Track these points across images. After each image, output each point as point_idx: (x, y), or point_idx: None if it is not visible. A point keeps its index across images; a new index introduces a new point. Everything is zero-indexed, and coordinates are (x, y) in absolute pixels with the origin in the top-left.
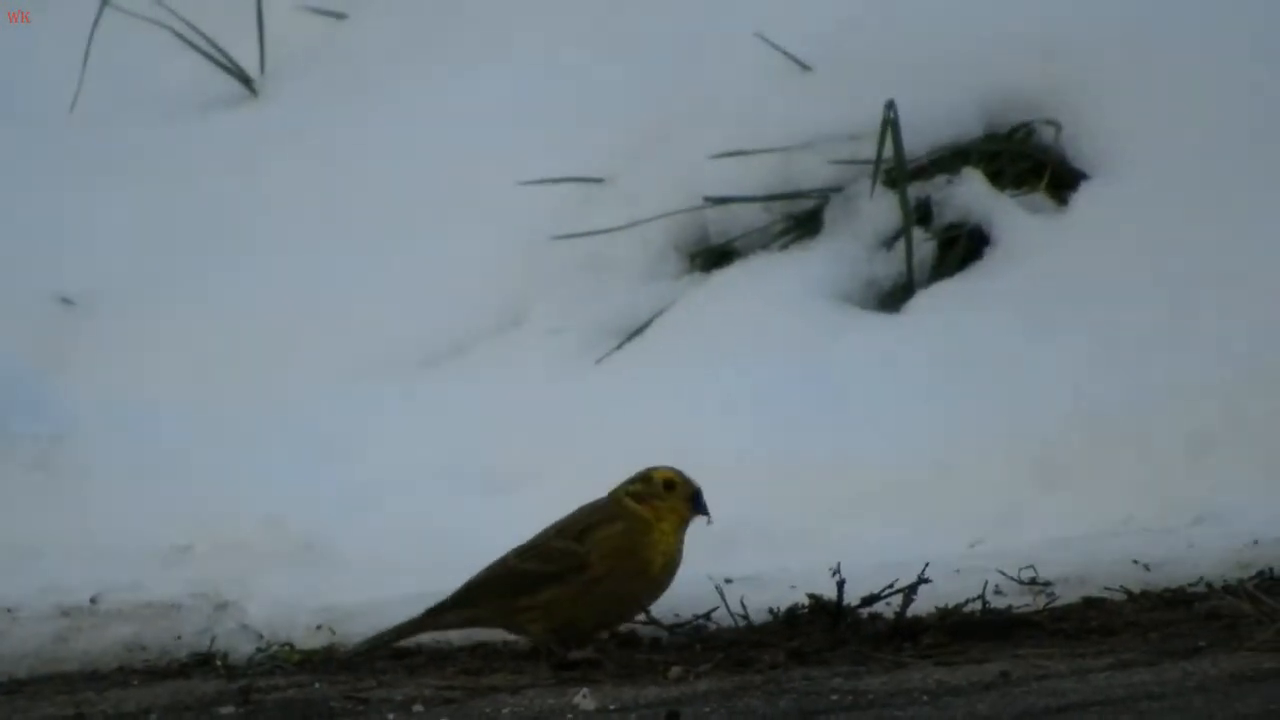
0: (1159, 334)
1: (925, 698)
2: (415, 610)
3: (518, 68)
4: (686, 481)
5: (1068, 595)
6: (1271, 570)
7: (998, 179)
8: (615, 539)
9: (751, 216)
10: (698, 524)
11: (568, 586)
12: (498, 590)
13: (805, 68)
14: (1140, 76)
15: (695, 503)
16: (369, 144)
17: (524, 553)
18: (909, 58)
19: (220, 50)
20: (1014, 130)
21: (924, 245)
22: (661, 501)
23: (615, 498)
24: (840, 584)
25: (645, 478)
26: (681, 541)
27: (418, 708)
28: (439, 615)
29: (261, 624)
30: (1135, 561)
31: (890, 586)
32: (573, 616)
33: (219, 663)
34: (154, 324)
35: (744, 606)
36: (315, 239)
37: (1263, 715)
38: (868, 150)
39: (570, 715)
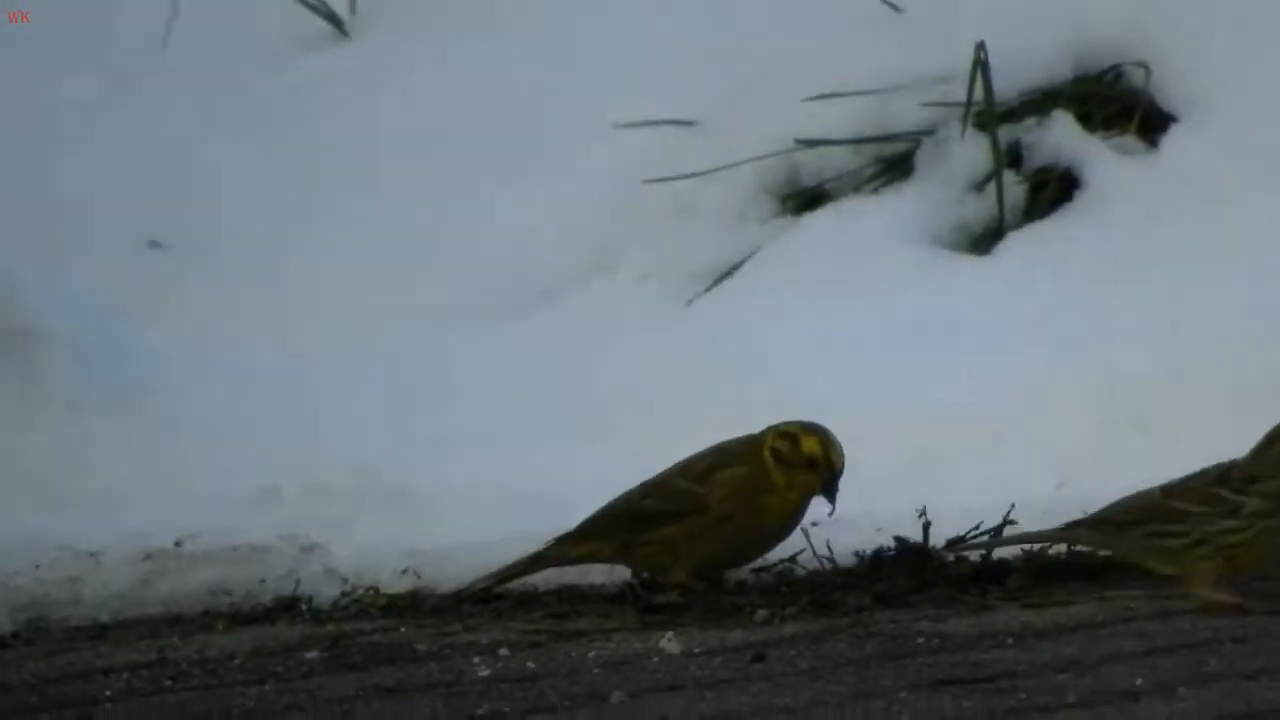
0: (1248, 279)
1: (1010, 640)
2: (503, 556)
3: (611, 10)
4: (829, 461)
5: None
6: None
7: (1087, 121)
8: (735, 484)
9: (842, 159)
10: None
11: (686, 526)
12: (619, 526)
13: (896, 9)
14: (1229, 19)
15: (827, 488)
16: (461, 86)
17: (647, 490)
18: (999, 0)
19: None
20: (1103, 73)
21: (1014, 188)
22: (799, 473)
23: (755, 445)
24: (926, 526)
25: (793, 439)
26: (807, 506)
27: (504, 651)
28: (560, 549)
29: (347, 568)
30: None
31: (976, 529)
32: (695, 555)
33: (304, 607)
34: (244, 269)
35: (830, 549)
36: (406, 183)
37: None
38: (958, 93)
39: (656, 659)
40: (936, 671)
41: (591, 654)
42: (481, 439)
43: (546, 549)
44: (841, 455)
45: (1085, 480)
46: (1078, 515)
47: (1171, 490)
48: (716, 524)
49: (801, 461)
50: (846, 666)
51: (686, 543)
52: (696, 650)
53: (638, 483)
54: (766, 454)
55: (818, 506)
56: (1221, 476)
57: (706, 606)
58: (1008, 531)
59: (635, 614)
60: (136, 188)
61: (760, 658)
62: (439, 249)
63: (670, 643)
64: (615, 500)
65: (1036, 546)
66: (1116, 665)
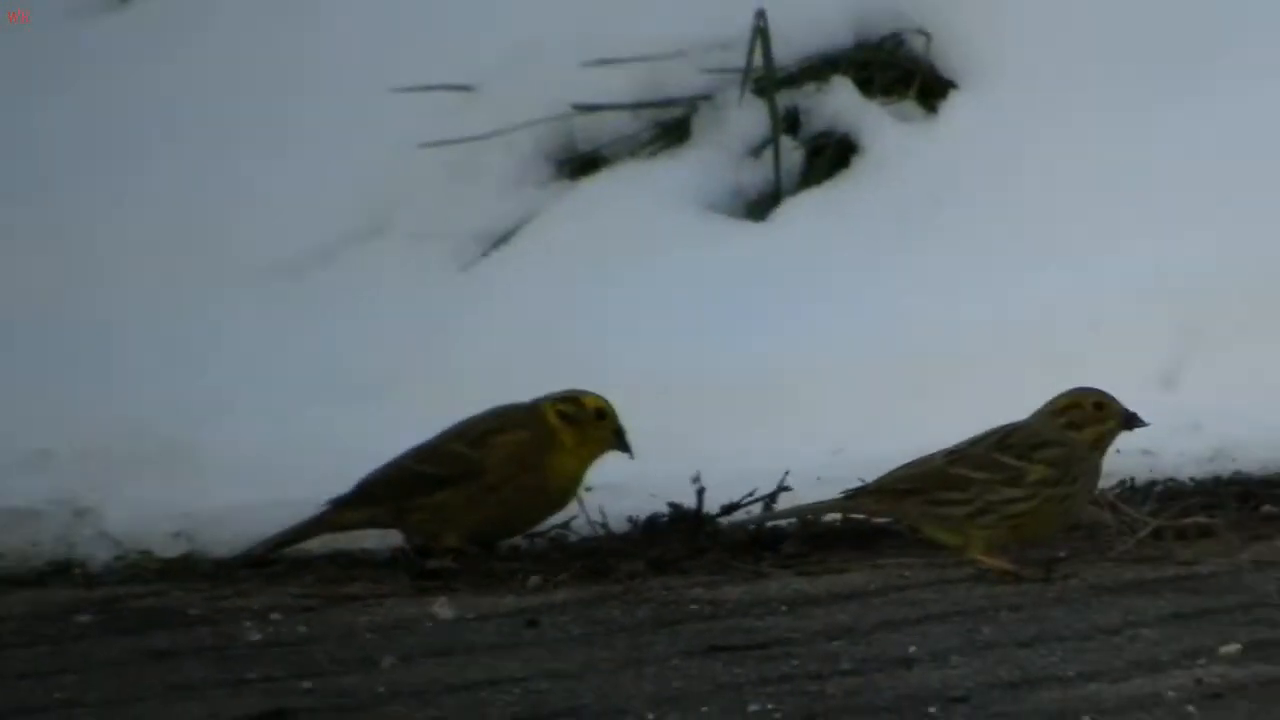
0: (1019, 243)
1: (784, 608)
2: (276, 519)
3: None
4: (615, 414)
5: None
6: (1133, 480)
7: (867, 88)
8: (513, 448)
9: (620, 125)
10: None
11: (459, 492)
12: (393, 490)
13: None
14: None
15: (620, 438)
16: (239, 51)
17: (421, 454)
18: None
19: None
20: (884, 39)
21: (792, 154)
22: (590, 429)
23: (538, 409)
24: (700, 492)
25: (576, 400)
26: (587, 469)
27: (275, 616)
28: (337, 513)
29: (120, 531)
30: None
31: (750, 495)
32: (464, 522)
33: (77, 570)
34: (11, 230)
35: (603, 515)
36: (183, 147)
37: (1124, 626)
38: (737, 59)
39: (428, 624)
40: (709, 638)
41: (364, 619)
42: (256, 401)
43: (324, 513)
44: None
45: (862, 445)
46: (855, 481)
47: (954, 456)
48: (491, 489)
49: (589, 417)
50: (619, 633)
51: (459, 508)
52: (469, 615)
53: (412, 447)
54: (552, 419)
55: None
56: (1002, 442)
57: (480, 572)
58: (787, 499)
59: (408, 579)
60: None
61: (533, 623)
62: (217, 211)
63: (443, 608)
64: (390, 464)
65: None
66: (890, 633)
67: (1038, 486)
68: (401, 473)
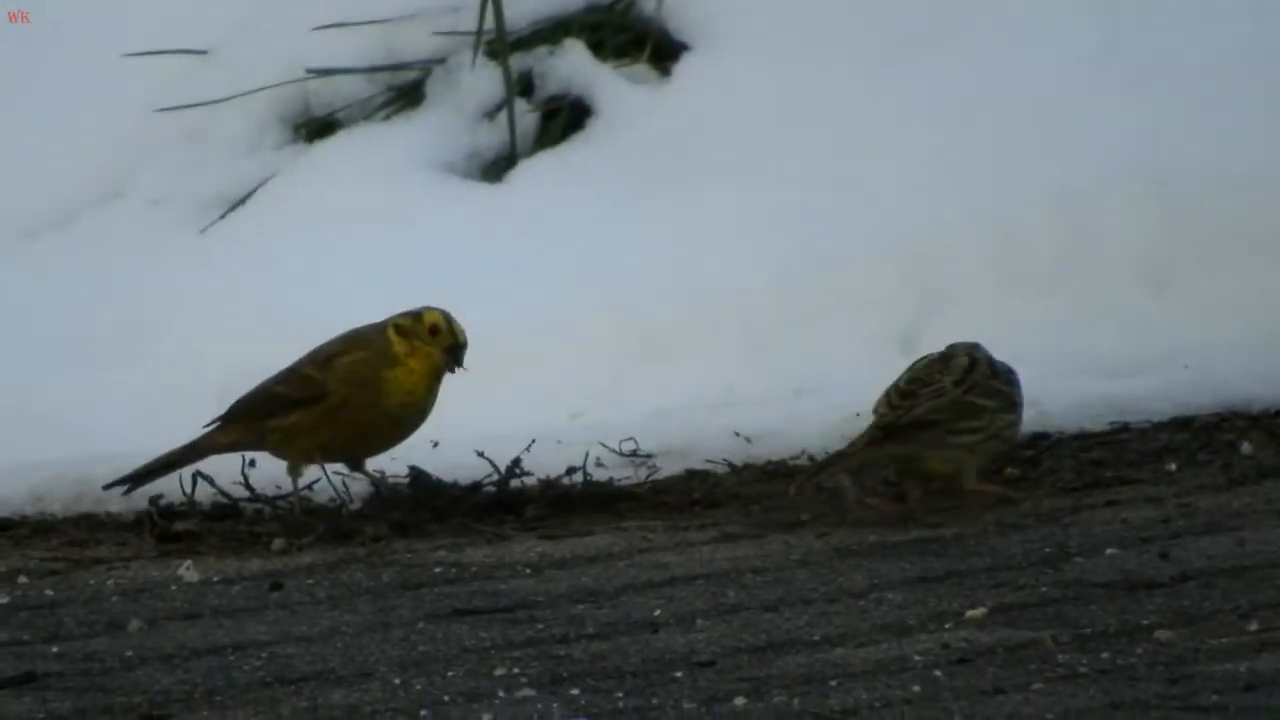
0: (755, 205)
1: (528, 570)
2: (9, 485)
3: None
4: (452, 331)
5: (670, 468)
6: None
7: (599, 50)
8: (352, 367)
9: (354, 88)
10: None
11: (309, 413)
12: (252, 412)
13: None
14: None
15: (452, 354)
16: None
17: (280, 377)
18: None
19: None
20: (616, 2)
21: (526, 117)
22: (421, 343)
23: (382, 326)
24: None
25: (416, 315)
26: (434, 388)
27: (22, 579)
28: (210, 437)
29: None
30: (737, 434)
31: (490, 476)
32: (314, 443)
33: None
34: None
35: (344, 482)
36: None
37: (868, 589)
38: (469, 22)
39: (174, 587)
40: (454, 601)
41: (110, 582)
42: None
43: (200, 438)
44: (464, 330)
45: (600, 408)
46: (595, 445)
47: (967, 384)
48: (334, 410)
49: (423, 332)
50: (364, 595)
51: (308, 429)
52: (214, 579)
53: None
54: (390, 331)
55: None
56: (993, 368)
57: (223, 535)
58: (530, 463)
59: (153, 542)
60: None
61: (278, 586)
62: None
63: (189, 571)
64: (254, 388)
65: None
66: (634, 596)
67: (1018, 410)
68: (260, 394)
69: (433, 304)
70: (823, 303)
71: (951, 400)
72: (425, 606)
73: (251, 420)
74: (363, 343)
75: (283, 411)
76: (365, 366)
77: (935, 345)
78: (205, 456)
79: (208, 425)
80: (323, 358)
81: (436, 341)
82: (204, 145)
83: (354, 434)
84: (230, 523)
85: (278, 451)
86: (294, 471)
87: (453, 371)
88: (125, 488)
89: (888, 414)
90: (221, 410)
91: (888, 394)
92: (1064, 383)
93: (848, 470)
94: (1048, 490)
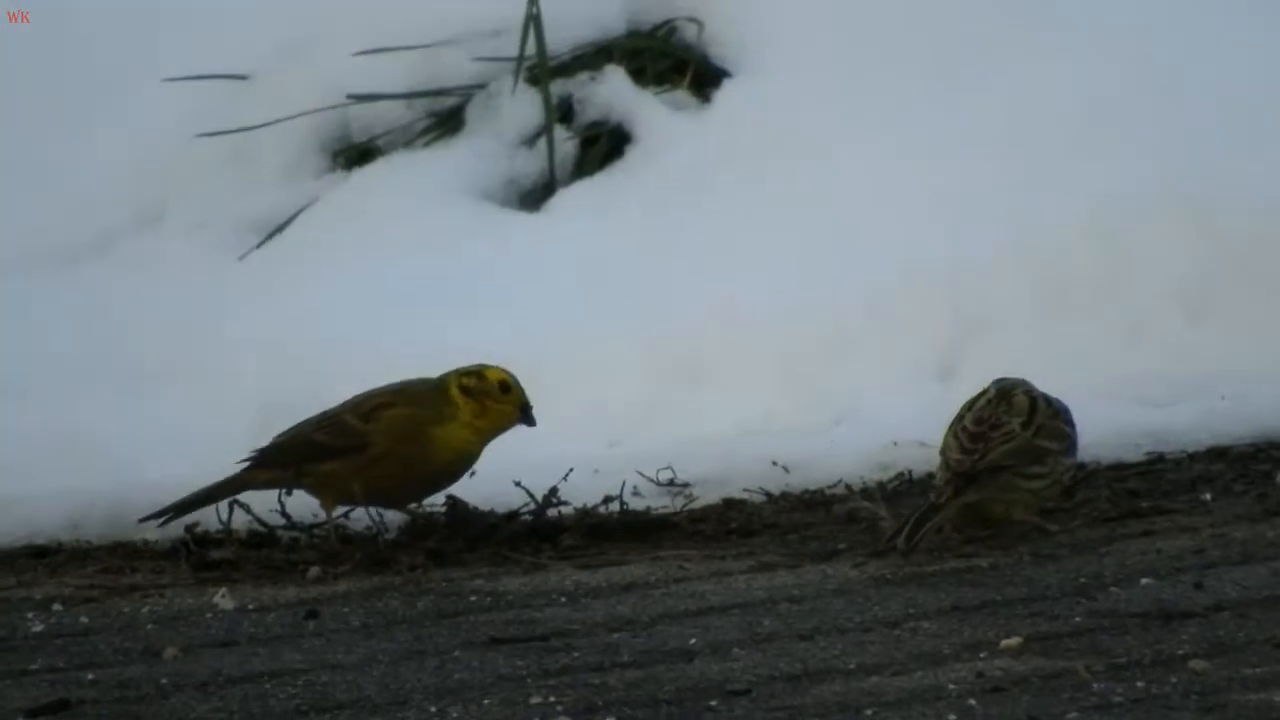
0: (793, 232)
1: (564, 599)
2: (54, 509)
3: None
4: (520, 389)
5: (707, 496)
6: (910, 472)
7: (640, 77)
8: (398, 421)
9: (394, 114)
10: None
11: (346, 463)
12: (289, 455)
13: None
14: None
15: (524, 413)
16: (12, 38)
17: (322, 423)
18: None
19: None
20: (657, 28)
21: (566, 143)
22: (493, 402)
23: (442, 384)
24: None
25: (479, 373)
26: (486, 442)
27: (57, 606)
28: (249, 474)
29: None
30: (775, 463)
31: (527, 506)
32: (350, 490)
33: None
34: None
35: (380, 511)
36: None
37: (903, 618)
38: (510, 47)
39: (209, 614)
40: (490, 629)
41: (145, 609)
42: (34, 389)
43: (237, 474)
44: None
45: (638, 437)
46: (631, 474)
47: (1035, 427)
48: (374, 461)
49: (493, 391)
50: (400, 624)
51: (345, 477)
52: (250, 606)
53: (319, 413)
54: (455, 392)
55: None
56: (1052, 407)
57: (259, 563)
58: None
59: (189, 570)
60: None
61: (313, 614)
62: None
63: (224, 599)
64: (294, 429)
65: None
66: (670, 625)
67: (1076, 452)
68: (298, 439)
69: (488, 361)
70: (860, 330)
71: (1021, 445)
72: (461, 635)
73: (287, 464)
74: (414, 398)
75: (320, 458)
76: (412, 422)
77: (973, 373)
78: (242, 491)
79: (241, 461)
80: (368, 408)
81: (509, 399)
82: (244, 171)
83: (393, 485)
84: (266, 551)
85: (312, 492)
86: (328, 507)
87: (531, 424)
88: (161, 520)
89: (964, 460)
90: (258, 440)
91: (957, 437)
92: (1100, 410)
93: (942, 524)
94: (1083, 520)
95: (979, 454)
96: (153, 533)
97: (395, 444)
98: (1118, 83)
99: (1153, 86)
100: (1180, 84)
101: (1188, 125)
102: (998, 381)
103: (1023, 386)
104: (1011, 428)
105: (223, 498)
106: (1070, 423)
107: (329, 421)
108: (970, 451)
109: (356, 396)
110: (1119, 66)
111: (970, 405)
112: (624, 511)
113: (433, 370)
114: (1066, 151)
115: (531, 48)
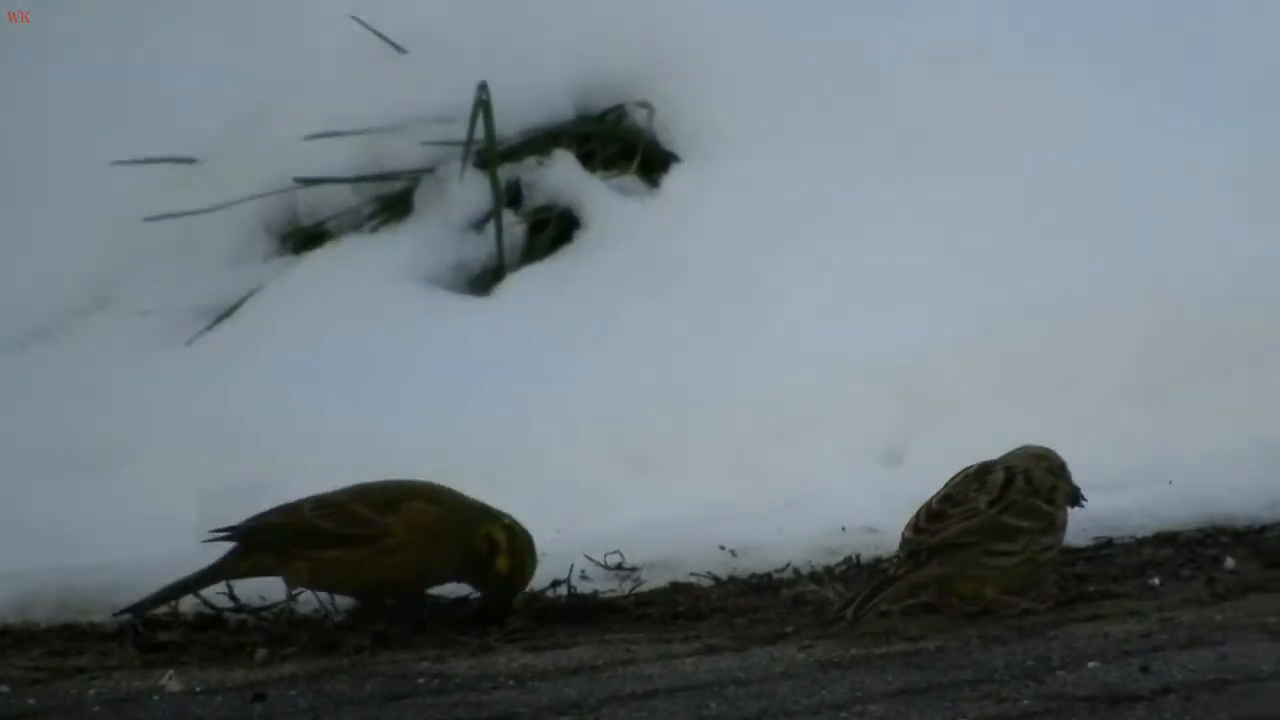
0: (742, 316)
1: (511, 682)
2: (8, 589)
3: (107, 50)
4: (516, 577)
5: (654, 580)
6: (858, 557)
7: (589, 161)
8: (427, 518)
9: (342, 198)
10: None
11: (354, 551)
12: (282, 538)
13: (400, 50)
14: (730, 63)
15: (503, 595)
16: None
17: (321, 507)
18: (502, 40)
19: None
20: (606, 112)
21: (514, 228)
22: (487, 569)
23: (466, 507)
24: None
25: (495, 544)
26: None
27: (4, 688)
28: (230, 562)
29: None
30: (723, 547)
31: None
32: (350, 580)
33: None
34: None
35: (331, 593)
36: None
37: (850, 701)
38: (459, 132)
39: (156, 697)
40: (437, 712)
41: (92, 692)
42: None
43: (220, 563)
44: (531, 569)
45: (586, 521)
46: (579, 558)
47: (1003, 504)
48: (389, 551)
49: (492, 562)
50: (347, 706)
51: (351, 567)
52: (197, 689)
53: (309, 496)
54: (481, 544)
55: None
56: (1030, 486)
57: (206, 644)
58: None
59: (136, 652)
60: None
61: (260, 697)
62: None
63: (171, 681)
64: (283, 511)
65: (538, 588)
66: (617, 708)
67: (1059, 533)
68: (302, 523)
69: (517, 528)
70: (809, 415)
71: (983, 522)
72: (409, 718)
73: (282, 549)
74: (433, 499)
75: (320, 544)
76: (439, 524)
77: (922, 459)
78: (222, 580)
79: (207, 540)
80: (382, 500)
81: (497, 580)
82: (192, 254)
83: (403, 576)
84: (213, 632)
85: (301, 578)
86: (291, 585)
87: (505, 609)
88: (141, 612)
89: (913, 539)
90: (207, 523)
91: (917, 515)
92: None
93: (892, 599)
94: (1030, 603)
95: (932, 533)
96: (99, 615)
97: (415, 536)
98: (1073, 172)
99: (1106, 176)
100: (1131, 173)
101: (1137, 214)
102: (1013, 452)
103: (1006, 464)
104: (976, 505)
105: (203, 587)
106: (1053, 501)
107: (332, 508)
108: (923, 531)
109: (354, 486)
110: (1073, 156)
111: (949, 482)
112: (571, 595)
113: (381, 458)
114: (1020, 238)
115: (480, 132)
